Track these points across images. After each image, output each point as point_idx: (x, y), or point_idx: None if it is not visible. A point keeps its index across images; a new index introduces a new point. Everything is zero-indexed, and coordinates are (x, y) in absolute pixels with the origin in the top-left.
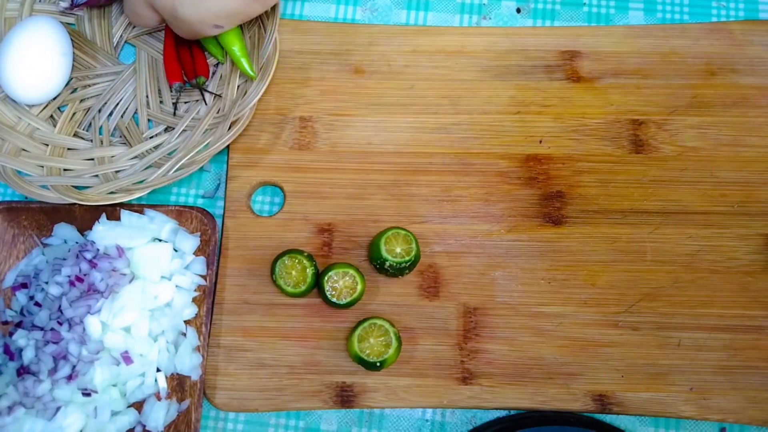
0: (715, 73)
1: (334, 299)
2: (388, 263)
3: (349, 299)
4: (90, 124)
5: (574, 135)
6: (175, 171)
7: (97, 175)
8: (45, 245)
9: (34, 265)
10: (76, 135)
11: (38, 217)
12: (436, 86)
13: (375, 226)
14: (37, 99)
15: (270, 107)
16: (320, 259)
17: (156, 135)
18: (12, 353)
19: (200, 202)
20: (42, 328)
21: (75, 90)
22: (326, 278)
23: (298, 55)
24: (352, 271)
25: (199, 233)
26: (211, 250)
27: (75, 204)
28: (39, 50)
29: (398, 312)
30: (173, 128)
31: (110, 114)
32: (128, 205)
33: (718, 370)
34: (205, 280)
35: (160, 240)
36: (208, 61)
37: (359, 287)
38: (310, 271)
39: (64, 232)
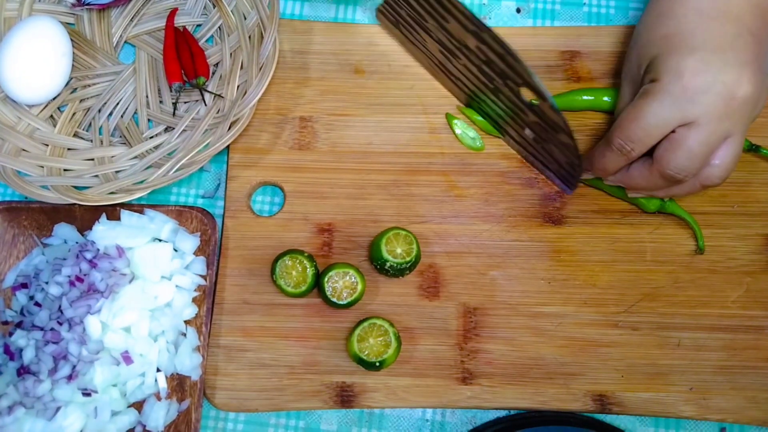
0: None
1: (334, 299)
2: (388, 264)
3: (349, 299)
4: (90, 124)
5: (575, 135)
6: (175, 171)
7: (97, 176)
8: (45, 245)
9: (34, 265)
10: (76, 135)
11: (38, 217)
12: (436, 86)
13: (375, 226)
14: (37, 99)
15: (270, 107)
16: (320, 259)
17: (156, 135)
18: (12, 353)
19: (200, 202)
20: (42, 328)
21: (75, 90)
22: (326, 278)
23: (298, 55)
24: (352, 271)
25: (199, 233)
26: (211, 250)
27: (75, 204)
28: (39, 50)
29: (398, 312)
30: (173, 128)
31: (110, 114)
32: (128, 205)
33: (717, 370)
34: (205, 280)
35: (160, 240)
36: (208, 60)
37: (359, 287)
38: (310, 271)
39: (64, 232)
